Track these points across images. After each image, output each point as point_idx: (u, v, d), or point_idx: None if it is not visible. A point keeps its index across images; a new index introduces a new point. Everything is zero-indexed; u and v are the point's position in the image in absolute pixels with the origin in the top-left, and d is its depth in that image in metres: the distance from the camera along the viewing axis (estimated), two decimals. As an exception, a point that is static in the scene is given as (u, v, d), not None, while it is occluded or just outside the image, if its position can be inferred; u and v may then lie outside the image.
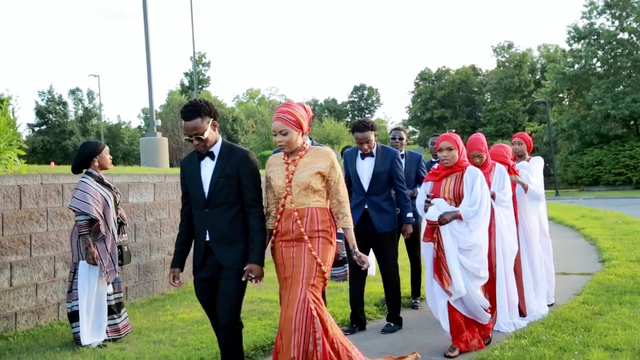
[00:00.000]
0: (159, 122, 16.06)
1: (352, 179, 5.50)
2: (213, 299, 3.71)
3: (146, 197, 7.26)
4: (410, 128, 60.89)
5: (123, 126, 62.47)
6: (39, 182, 5.78)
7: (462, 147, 4.93)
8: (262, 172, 3.95)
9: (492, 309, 5.03)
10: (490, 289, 5.10)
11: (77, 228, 5.03)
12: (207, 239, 3.69)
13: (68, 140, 54.36)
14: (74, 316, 5.02)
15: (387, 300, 5.58)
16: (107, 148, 5.35)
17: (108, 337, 5.12)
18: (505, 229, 5.21)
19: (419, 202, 5.01)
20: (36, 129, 56.33)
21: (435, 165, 5.15)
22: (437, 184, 4.83)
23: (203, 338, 5.09)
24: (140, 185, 7.18)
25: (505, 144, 6.07)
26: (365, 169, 5.41)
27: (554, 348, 4.45)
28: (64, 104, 57.71)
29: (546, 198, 6.48)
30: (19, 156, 6.78)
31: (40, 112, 56.07)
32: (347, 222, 3.79)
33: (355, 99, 72.15)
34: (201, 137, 3.59)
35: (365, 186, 5.40)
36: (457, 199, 4.72)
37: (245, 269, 3.58)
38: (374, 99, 72.68)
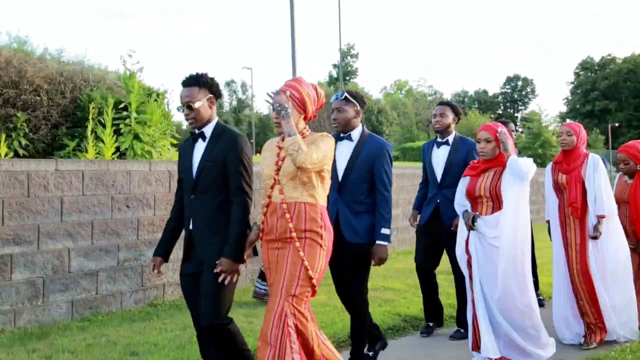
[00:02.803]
0: (303, 114, 16.75)
1: (427, 171, 5.22)
2: (194, 295, 3.39)
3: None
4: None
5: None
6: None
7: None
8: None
9: (598, 326, 4.81)
10: (592, 301, 4.82)
11: None
12: (191, 227, 3.40)
13: (224, 130, 58.09)
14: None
15: (458, 304, 5.19)
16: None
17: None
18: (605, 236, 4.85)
19: (457, 199, 4.46)
20: (193, 119, 60.98)
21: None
22: (474, 179, 4.30)
23: (324, 319, 5.40)
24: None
25: None
26: (440, 158, 5.06)
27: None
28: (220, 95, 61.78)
29: None
30: (172, 144, 7.59)
31: (199, 103, 60.60)
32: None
33: (508, 91, 69.34)
34: (191, 105, 3.31)
35: (439, 177, 5.06)
36: (495, 198, 4.18)
37: (217, 262, 3.22)
38: (529, 90, 69.34)
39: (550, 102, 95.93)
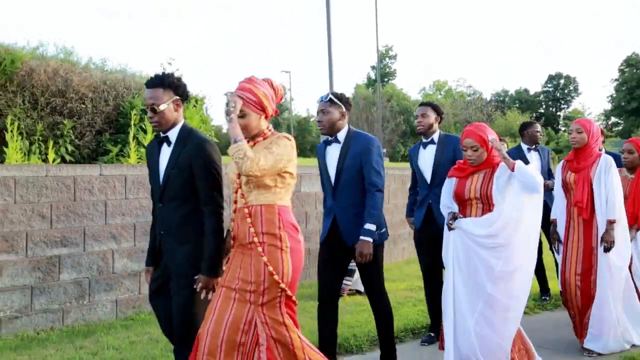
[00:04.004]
0: (339, 117, 16.90)
1: (416, 174, 5.05)
2: (161, 305, 3.30)
3: (317, 187, 7.85)
4: (613, 119, 55.96)
5: (311, 119, 65.73)
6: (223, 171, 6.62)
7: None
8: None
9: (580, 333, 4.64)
10: (583, 308, 4.61)
11: None
12: (159, 236, 3.27)
13: (264, 133, 58.66)
14: None
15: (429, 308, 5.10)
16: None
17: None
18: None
19: (443, 201, 4.27)
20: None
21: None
22: (462, 181, 4.11)
23: (359, 318, 5.50)
24: (312, 175, 7.80)
25: None
26: (427, 158, 4.87)
27: None
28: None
29: None
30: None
31: (239, 107, 61.34)
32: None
33: (550, 89, 67.89)
34: (155, 108, 3.16)
35: (428, 178, 4.85)
36: (485, 200, 3.99)
37: (195, 278, 3.12)
38: (571, 88, 67.82)
39: (594, 99, 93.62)
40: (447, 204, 4.21)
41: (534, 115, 50.24)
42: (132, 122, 6.66)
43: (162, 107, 3.17)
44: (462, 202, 4.09)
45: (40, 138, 6.52)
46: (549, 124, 49.72)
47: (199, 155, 3.14)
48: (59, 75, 6.81)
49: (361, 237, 3.85)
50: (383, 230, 4.02)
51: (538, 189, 3.82)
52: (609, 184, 4.53)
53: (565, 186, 4.79)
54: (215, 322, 2.98)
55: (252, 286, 2.99)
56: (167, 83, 3.19)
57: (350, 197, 3.96)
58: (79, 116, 7.07)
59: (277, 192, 3.07)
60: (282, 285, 2.99)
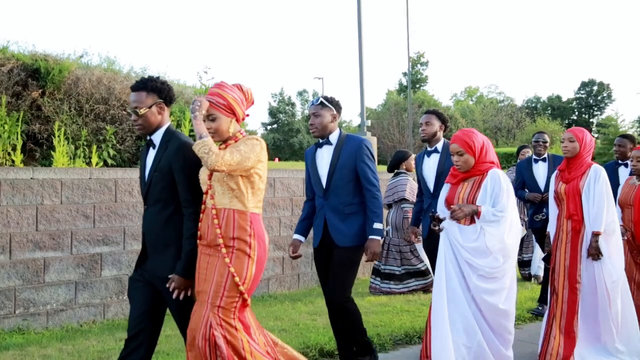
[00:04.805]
0: (369, 123, 17.14)
1: (420, 182, 4.94)
2: (138, 302, 3.26)
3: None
4: None
5: (344, 125, 66.01)
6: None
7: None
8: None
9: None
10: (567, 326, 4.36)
11: (403, 212, 7.08)
12: (145, 238, 3.30)
13: (295, 138, 59.12)
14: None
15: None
16: (413, 155, 7.02)
17: None
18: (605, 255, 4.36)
19: (439, 207, 4.22)
20: (268, 127, 62.31)
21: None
22: (454, 187, 4.09)
23: (383, 318, 5.69)
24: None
25: None
26: (431, 167, 4.78)
27: None
28: (293, 104, 62.99)
29: None
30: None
31: (272, 112, 62.00)
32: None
33: (583, 96, 66.84)
34: (137, 112, 3.17)
35: (431, 186, 4.75)
36: None
37: (169, 276, 3.13)
38: (605, 95, 66.72)
39: (627, 106, 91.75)
40: (442, 209, 4.16)
41: (566, 122, 49.55)
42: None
43: (143, 110, 3.18)
44: (435, 219, 4.03)
45: (85, 143, 6.89)
46: (581, 131, 48.90)
47: (177, 158, 3.15)
48: (102, 84, 7.19)
49: (370, 237, 3.90)
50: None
51: (500, 222, 3.82)
52: (597, 195, 4.39)
53: (557, 197, 4.64)
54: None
55: (213, 286, 3.01)
56: (150, 87, 3.22)
57: (341, 197, 3.98)
58: (120, 122, 7.44)
59: (249, 199, 3.10)
60: (241, 288, 3.02)
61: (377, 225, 3.91)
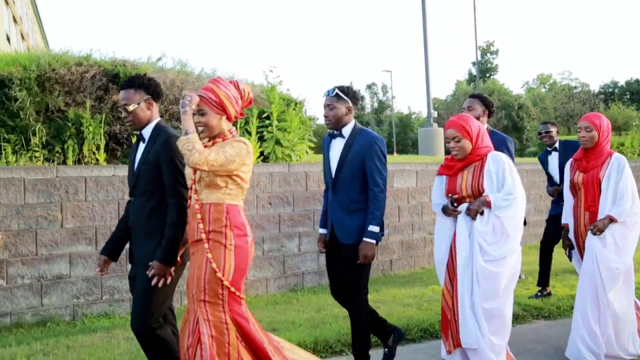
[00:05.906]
0: (435, 114, 17.16)
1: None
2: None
3: (409, 183, 8.24)
4: None
5: (413, 116, 65.56)
6: (319, 169, 7.16)
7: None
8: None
9: None
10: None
11: None
12: (131, 229, 3.42)
13: (364, 131, 59.34)
14: None
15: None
16: None
17: None
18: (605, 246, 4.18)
19: (435, 199, 4.08)
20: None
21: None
22: (453, 179, 3.92)
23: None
24: (404, 172, 8.19)
25: None
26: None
27: None
28: (362, 97, 63.05)
29: None
30: (310, 147, 8.38)
31: (341, 106, 62.46)
32: None
33: (666, 78, 63.45)
34: (126, 108, 3.29)
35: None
36: (478, 195, 3.81)
37: (150, 263, 3.19)
38: (691, 77, 62.95)
39: None
40: (438, 202, 4.03)
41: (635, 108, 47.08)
42: (238, 125, 7.33)
43: (132, 107, 3.29)
44: (456, 200, 3.90)
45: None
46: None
47: (165, 150, 3.22)
48: (175, 86, 7.60)
49: (364, 239, 3.75)
50: (385, 232, 3.89)
51: (511, 205, 3.73)
52: (622, 186, 4.17)
53: (573, 187, 4.44)
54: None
55: (195, 281, 3.07)
56: (138, 83, 3.33)
57: (347, 193, 3.86)
58: (192, 121, 7.83)
59: (228, 192, 3.13)
60: (226, 283, 3.03)
61: (372, 228, 3.77)
